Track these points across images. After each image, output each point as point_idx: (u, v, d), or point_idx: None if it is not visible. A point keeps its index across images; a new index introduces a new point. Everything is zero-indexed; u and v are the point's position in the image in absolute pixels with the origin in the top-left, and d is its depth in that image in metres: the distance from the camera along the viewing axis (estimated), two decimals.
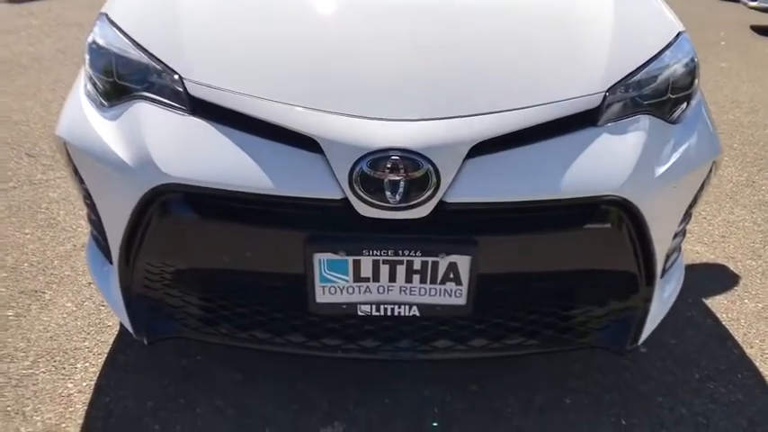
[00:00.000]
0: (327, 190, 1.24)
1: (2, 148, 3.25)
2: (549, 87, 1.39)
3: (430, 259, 1.29)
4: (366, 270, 1.30)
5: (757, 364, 1.91)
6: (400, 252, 1.28)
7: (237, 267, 1.38)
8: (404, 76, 1.37)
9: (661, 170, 1.39)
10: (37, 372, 1.79)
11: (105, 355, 1.86)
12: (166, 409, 1.68)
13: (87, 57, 1.53)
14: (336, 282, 1.31)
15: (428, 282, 1.32)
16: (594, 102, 1.37)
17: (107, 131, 1.39)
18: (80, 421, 1.64)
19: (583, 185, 1.30)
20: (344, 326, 1.43)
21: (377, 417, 1.68)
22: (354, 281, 1.32)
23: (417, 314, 1.37)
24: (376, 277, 1.31)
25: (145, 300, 1.45)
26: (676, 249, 1.68)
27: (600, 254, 1.42)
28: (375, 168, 1.22)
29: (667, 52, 1.55)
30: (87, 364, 1.82)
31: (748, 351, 1.96)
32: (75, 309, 2.06)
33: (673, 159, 1.42)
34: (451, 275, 1.32)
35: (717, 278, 2.33)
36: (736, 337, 2.02)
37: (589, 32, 1.55)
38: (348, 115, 1.27)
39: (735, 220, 2.80)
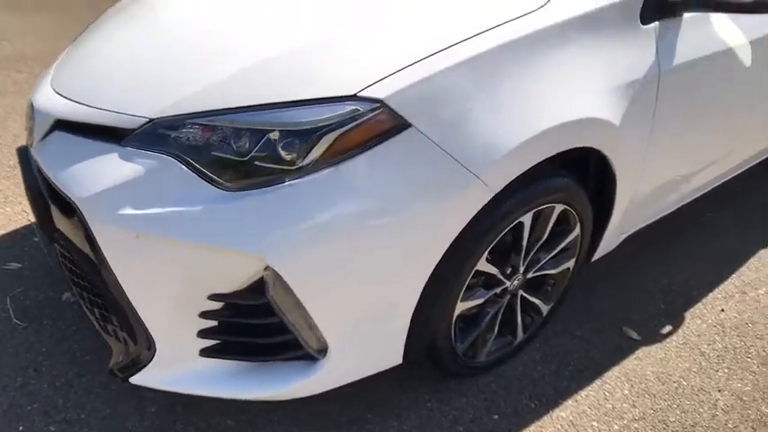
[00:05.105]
0: None
1: None
2: (139, 98, 1.44)
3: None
4: None
5: None
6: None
7: None
8: (102, 70, 1.64)
9: (126, 211, 1.31)
10: None
11: None
12: None
13: None
14: None
15: None
16: (131, 124, 1.38)
17: None
18: None
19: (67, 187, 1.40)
20: None
21: None
22: None
23: None
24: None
25: None
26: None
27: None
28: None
29: (303, 109, 1.30)
30: None
31: None
32: None
33: (145, 212, 1.30)
34: None
35: None
36: None
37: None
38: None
39: None
